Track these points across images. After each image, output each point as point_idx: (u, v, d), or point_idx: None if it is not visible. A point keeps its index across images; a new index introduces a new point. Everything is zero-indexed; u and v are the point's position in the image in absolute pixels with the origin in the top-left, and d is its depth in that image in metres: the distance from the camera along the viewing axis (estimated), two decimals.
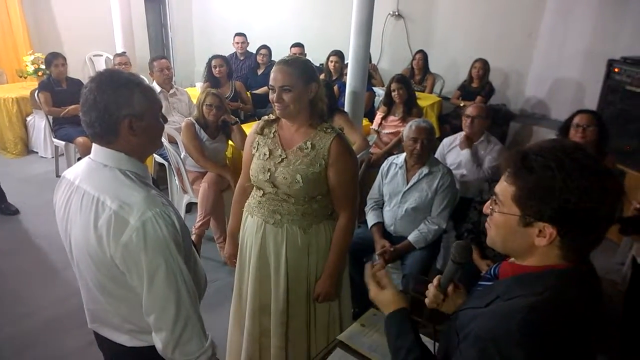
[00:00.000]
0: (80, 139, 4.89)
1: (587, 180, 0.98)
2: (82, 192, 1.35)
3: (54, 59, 5.07)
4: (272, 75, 1.88)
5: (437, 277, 1.39)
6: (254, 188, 2.10)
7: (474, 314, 1.10)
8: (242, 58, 6.53)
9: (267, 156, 1.99)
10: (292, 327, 2.14)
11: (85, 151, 4.78)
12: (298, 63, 1.90)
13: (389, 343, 1.32)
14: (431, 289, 1.39)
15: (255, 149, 2.05)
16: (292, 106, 1.87)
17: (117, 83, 1.31)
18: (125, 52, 5.85)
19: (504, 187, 1.08)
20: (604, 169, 1.02)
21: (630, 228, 2.36)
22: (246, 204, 2.17)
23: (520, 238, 1.07)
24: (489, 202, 1.15)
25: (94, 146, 1.38)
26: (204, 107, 3.69)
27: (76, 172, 1.42)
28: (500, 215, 1.09)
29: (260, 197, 2.06)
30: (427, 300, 1.39)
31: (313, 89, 1.89)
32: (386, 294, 1.39)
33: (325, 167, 1.93)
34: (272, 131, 2.03)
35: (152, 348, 1.38)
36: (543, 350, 0.97)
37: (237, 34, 6.54)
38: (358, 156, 3.60)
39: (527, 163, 1.03)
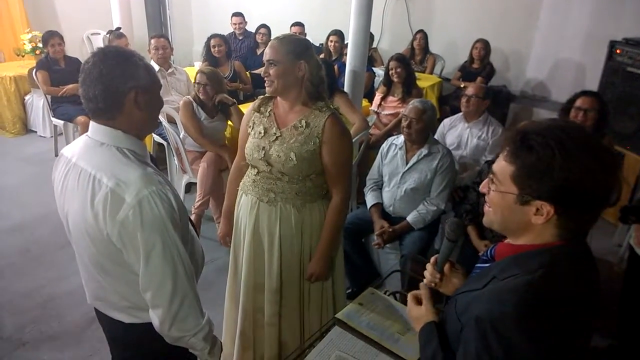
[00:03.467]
0: (81, 118, 4.86)
1: (587, 159, 0.98)
2: (79, 170, 1.35)
3: (50, 38, 5.02)
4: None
5: (434, 256, 1.40)
6: (249, 167, 2.11)
7: (472, 296, 1.11)
8: (240, 37, 6.46)
9: (262, 134, 2.00)
10: (285, 305, 2.16)
11: (87, 130, 4.74)
12: (288, 40, 1.92)
13: (420, 354, 1.31)
14: (429, 268, 1.39)
15: (251, 127, 2.06)
16: (276, 82, 1.89)
17: (122, 56, 1.31)
18: (120, 29, 5.76)
19: (502, 166, 1.08)
20: (603, 148, 1.02)
21: (632, 217, 2.35)
22: (241, 183, 2.18)
23: (517, 216, 1.07)
24: (486, 180, 1.15)
25: (92, 124, 1.38)
26: (195, 86, 3.68)
27: (74, 149, 1.42)
28: (498, 193, 1.09)
29: (255, 175, 2.07)
30: (425, 280, 1.40)
31: (302, 67, 1.89)
32: (420, 309, 1.35)
33: (319, 145, 1.93)
34: (268, 110, 2.04)
35: (150, 325, 1.40)
36: (540, 329, 0.98)
37: (235, 15, 6.43)
38: (357, 137, 3.59)
39: (526, 142, 1.03)
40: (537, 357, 0.99)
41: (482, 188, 1.16)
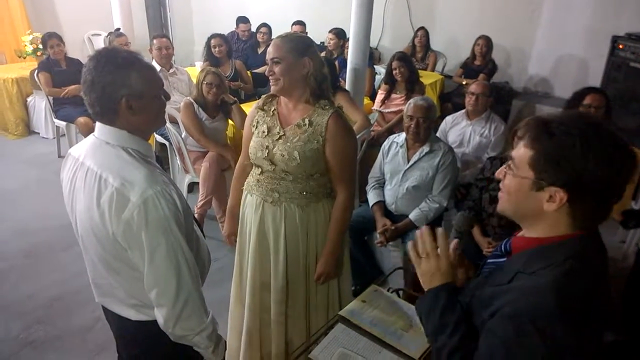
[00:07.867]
0: (81, 119, 4.87)
1: (607, 151, 1.00)
2: (86, 169, 1.37)
3: (49, 40, 5.04)
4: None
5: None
6: (253, 166, 2.11)
7: (496, 290, 1.11)
8: (243, 39, 6.45)
9: (266, 133, 2.00)
10: (291, 304, 2.17)
11: (87, 131, 4.77)
12: (291, 37, 1.93)
13: (428, 317, 1.24)
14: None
15: (255, 127, 2.05)
16: (282, 80, 1.89)
17: (114, 63, 1.30)
18: (120, 29, 5.76)
19: (521, 151, 1.09)
20: (623, 142, 1.04)
21: (633, 221, 2.34)
22: (246, 182, 2.18)
23: (531, 202, 1.09)
24: (503, 167, 1.16)
25: (97, 124, 1.39)
26: (204, 86, 3.66)
27: (81, 149, 1.44)
28: (513, 178, 1.11)
29: (259, 175, 2.07)
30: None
31: (306, 63, 1.89)
32: (431, 262, 1.26)
33: (322, 144, 1.93)
34: (272, 109, 2.04)
35: (157, 322, 1.41)
36: (579, 320, 1.01)
37: (242, 21, 6.40)
38: (360, 135, 3.58)
39: (548, 129, 1.04)
40: (577, 347, 1.01)
41: (498, 174, 1.17)
